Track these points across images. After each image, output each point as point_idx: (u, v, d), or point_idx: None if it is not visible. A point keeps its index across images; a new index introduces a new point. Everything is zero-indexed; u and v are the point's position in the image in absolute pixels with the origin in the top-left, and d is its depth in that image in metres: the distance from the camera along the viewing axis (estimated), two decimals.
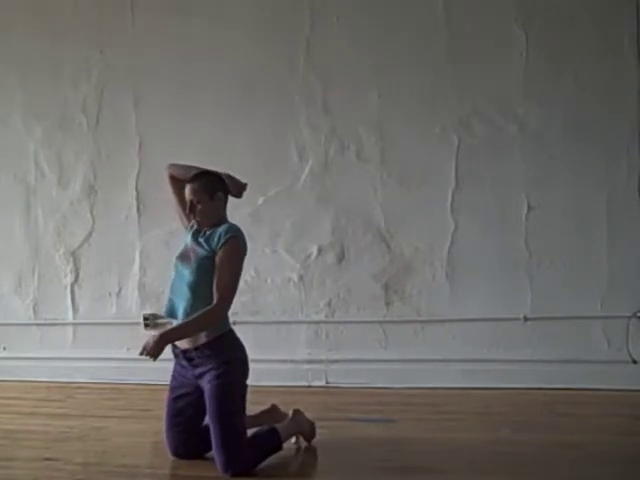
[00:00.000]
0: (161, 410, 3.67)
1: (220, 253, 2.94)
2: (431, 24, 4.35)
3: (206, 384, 2.93)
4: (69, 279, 4.85)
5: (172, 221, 4.61)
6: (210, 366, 2.93)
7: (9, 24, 4.91)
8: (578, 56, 4.18)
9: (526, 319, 4.25)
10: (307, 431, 3.26)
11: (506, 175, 4.28)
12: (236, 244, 2.97)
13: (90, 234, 4.82)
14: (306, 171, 4.52)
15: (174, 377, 3.12)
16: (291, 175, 4.53)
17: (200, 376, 2.97)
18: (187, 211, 3.04)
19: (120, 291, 4.77)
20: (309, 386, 4.42)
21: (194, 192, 3.02)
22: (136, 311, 4.70)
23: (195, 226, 3.10)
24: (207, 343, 2.93)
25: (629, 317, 4.12)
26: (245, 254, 3.02)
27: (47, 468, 3.06)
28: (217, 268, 2.93)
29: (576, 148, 4.20)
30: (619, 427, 3.47)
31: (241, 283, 4.45)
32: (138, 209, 4.73)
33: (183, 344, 2.98)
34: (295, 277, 4.53)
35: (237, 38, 4.55)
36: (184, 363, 3.02)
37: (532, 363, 4.21)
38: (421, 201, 4.38)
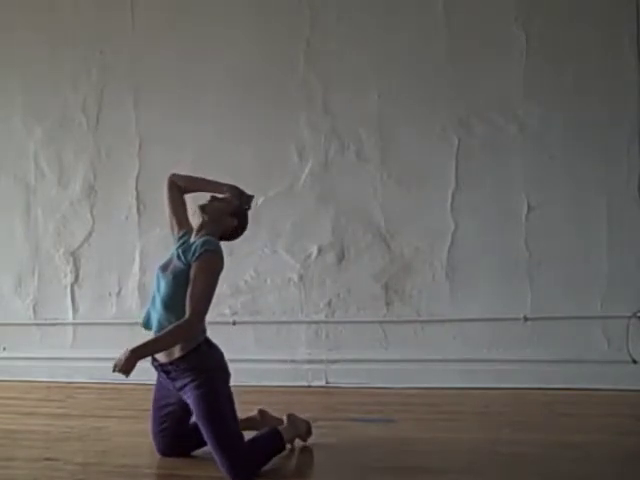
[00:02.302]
0: None
1: (194, 266, 2.88)
2: (431, 24, 4.35)
3: (189, 397, 2.90)
4: (69, 279, 4.85)
5: None
6: (189, 378, 2.89)
7: (9, 24, 4.91)
8: (578, 56, 4.18)
9: (526, 319, 4.25)
10: (304, 432, 3.25)
11: (506, 175, 4.28)
12: (212, 258, 2.90)
13: (90, 234, 4.82)
14: (306, 171, 4.52)
15: (157, 388, 3.11)
16: (291, 175, 4.53)
17: (181, 389, 2.93)
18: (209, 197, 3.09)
19: (120, 291, 4.77)
20: (309, 386, 4.42)
21: (228, 200, 3.10)
22: (136, 311, 4.69)
23: (183, 237, 3.09)
24: (182, 357, 2.89)
25: (629, 317, 4.12)
26: (221, 269, 2.95)
27: (47, 468, 3.06)
28: (190, 281, 2.86)
29: (576, 148, 4.20)
30: (619, 427, 3.46)
31: (241, 283, 4.54)
32: (138, 209, 4.73)
33: (160, 358, 2.94)
34: (295, 277, 4.53)
35: (237, 38, 4.56)
36: (163, 376, 3.00)
37: (532, 363, 4.21)
38: (421, 201, 4.39)
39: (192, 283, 2.85)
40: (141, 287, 4.72)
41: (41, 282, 4.90)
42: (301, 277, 4.53)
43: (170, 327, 2.83)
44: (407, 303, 4.41)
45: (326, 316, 4.50)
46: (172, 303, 2.90)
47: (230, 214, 3.10)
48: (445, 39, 4.33)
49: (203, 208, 3.05)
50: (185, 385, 2.90)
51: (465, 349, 4.31)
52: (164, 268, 3.01)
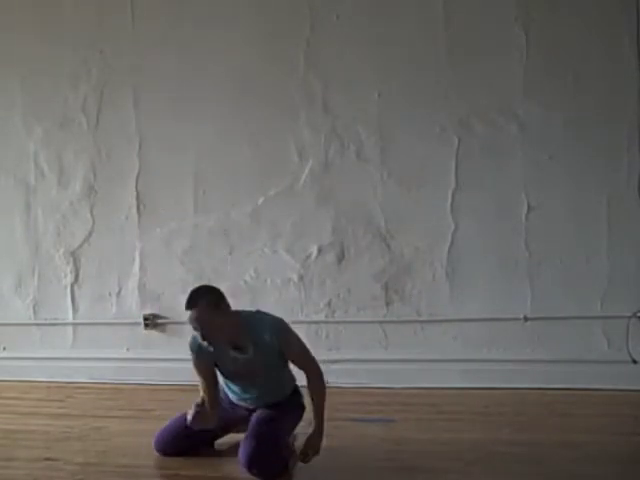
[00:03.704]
0: (161, 410, 3.68)
1: (283, 340, 3.03)
2: (431, 24, 4.35)
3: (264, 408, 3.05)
4: (69, 279, 4.85)
5: (172, 221, 4.64)
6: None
7: (9, 24, 4.90)
8: (578, 56, 4.18)
9: (526, 319, 4.24)
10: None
11: (506, 175, 4.28)
12: (289, 330, 3.08)
13: (90, 234, 4.82)
14: (306, 171, 4.52)
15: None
16: (291, 175, 4.53)
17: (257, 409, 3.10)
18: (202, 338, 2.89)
19: (120, 291, 4.77)
20: None
21: (197, 319, 2.85)
22: (136, 311, 4.70)
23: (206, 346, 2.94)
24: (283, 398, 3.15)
25: (629, 317, 4.12)
26: None
27: (47, 468, 3.06)
28: (291, 352, 3.06)
29: (576, 148, 4.19)
30: (619, 427, 3.47)
31: (241, 283, 4.53)
32: (138, 209, 4.72)
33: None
34: (295, 277, 4.53)
35: (237, 38, 4.55)
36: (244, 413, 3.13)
37: (532, 363, 4.21)
38: (421, 201, 4.38)
39: (293, 352, 3.07)
40: (141, 287, 4.71)
41: (41, 282, 4.90)
42: (301, 277, 4.52)
43: (315, 390, 3.00)
44: (407, 303, 4.41)
45: (326, 316, 4.50)
46: (275, 384, 3.12)
47: (214, 311, 2.90)
48: (445, 39, 4.33)
49: (215, 342, 2.92)
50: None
51: (465, 349, 4.31)
52: (241, 376, 3.07)
